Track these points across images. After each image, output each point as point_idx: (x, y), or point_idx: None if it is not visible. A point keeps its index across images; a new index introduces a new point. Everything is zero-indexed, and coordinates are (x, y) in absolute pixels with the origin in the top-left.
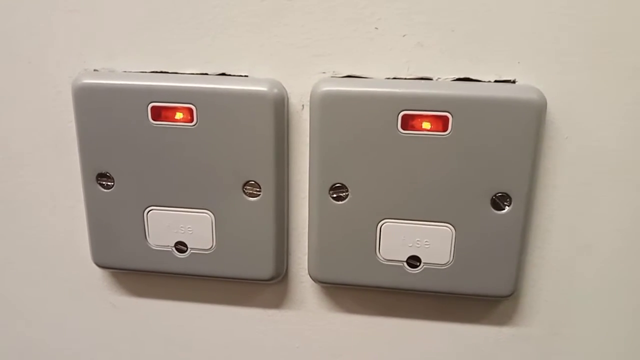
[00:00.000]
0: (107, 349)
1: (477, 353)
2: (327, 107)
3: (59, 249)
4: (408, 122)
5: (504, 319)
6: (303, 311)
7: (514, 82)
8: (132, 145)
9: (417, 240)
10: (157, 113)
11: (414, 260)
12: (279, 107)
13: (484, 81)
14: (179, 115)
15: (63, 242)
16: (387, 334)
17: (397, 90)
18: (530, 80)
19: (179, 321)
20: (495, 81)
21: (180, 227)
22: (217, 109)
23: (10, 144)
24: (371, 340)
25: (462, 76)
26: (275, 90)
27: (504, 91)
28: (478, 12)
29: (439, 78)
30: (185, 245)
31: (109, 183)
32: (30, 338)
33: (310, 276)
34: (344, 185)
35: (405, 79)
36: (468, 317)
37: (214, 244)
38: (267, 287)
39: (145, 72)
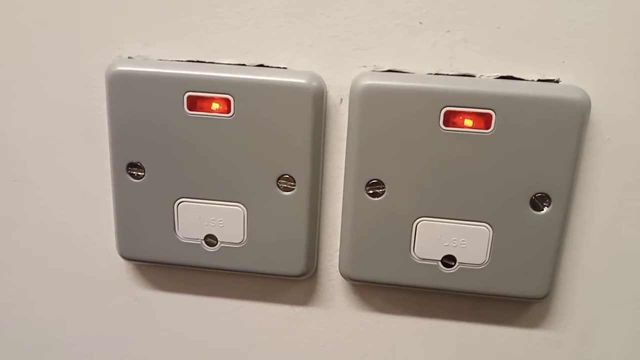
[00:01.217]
0: (127, 343)
1: (507, 356)
2: (367, 101)
3: (83, 238)
4: (450, 119)
5: (536, 322)
6: (331, 309)
7: (557, 81)
8: (166, 135)
9: (454, 240)
10: (193, 103)
11: (449, 260)
12: (318, 100)
13: (528, 80)
14: (215, 106)
15: (88, 232)
16: (416, 334)
17: (440, 86)
18: (574, 80)
19: (203, 317)
20: (539, 80)
21: (211, 219)
22: (254, 100)
23: (38, 131)
24: (399, 340)
25: (505, 74)
26: (315, 83)
27: (548, 90)
28: (524, 10)
29: (482, 75)
30: (215, 238)
31: (139, 173)
32: (47, 328)
33: (341, 273)
34: (381, 181)
35: (448, 75)
36: (499, 319)
37: (245, 237)
38: (296, 283)
39: (182, 61)
